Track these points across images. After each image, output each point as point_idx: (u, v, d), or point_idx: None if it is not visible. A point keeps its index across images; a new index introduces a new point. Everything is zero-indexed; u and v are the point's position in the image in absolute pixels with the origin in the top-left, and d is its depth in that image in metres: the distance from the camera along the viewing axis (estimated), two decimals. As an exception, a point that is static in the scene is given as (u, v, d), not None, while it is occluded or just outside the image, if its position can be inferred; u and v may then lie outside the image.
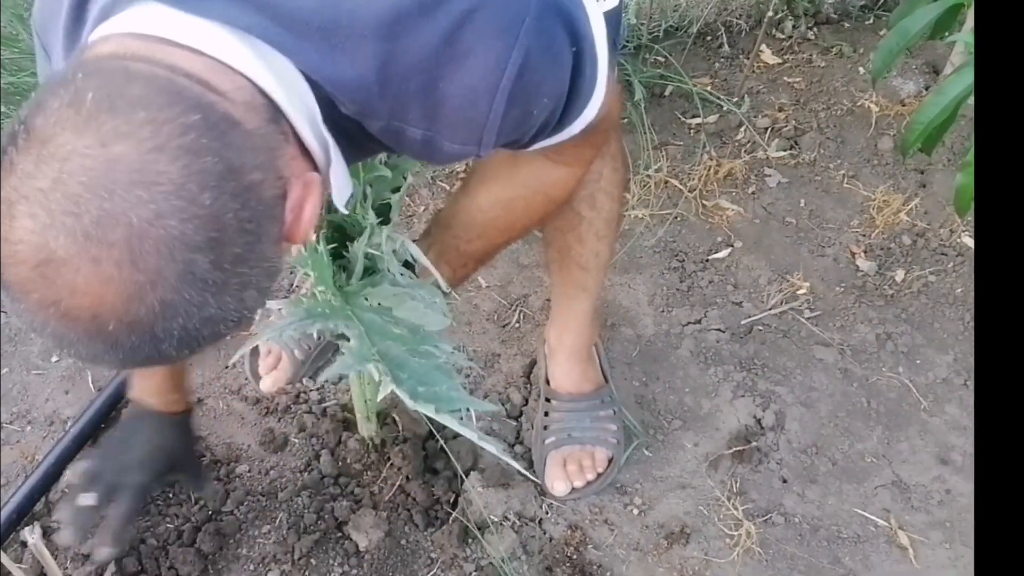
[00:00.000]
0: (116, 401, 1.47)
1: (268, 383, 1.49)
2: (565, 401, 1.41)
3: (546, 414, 1.42)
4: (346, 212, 0.79)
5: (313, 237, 1.04)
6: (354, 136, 0.74)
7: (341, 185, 0.76)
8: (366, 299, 1.06)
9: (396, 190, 1.09)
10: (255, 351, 1.53)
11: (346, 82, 0.68)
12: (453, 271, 1.07)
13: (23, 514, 1.32)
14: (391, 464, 1.39)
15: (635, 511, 1.36)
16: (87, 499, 1.11)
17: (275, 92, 0.65)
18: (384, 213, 1.09)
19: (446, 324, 1.07)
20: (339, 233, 1.09)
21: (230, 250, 0.59)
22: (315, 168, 0.71)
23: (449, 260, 1.09)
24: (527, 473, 0.88)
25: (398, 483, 1.37)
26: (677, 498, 1.37)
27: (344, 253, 1.07)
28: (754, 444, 1.42)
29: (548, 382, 1.44)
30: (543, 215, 1.05)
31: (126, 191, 0.55)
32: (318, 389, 1.51)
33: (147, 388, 1.21)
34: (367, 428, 1.39)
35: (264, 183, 0.62)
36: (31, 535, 0.83)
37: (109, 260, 0.56)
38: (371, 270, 1.08)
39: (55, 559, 1.20)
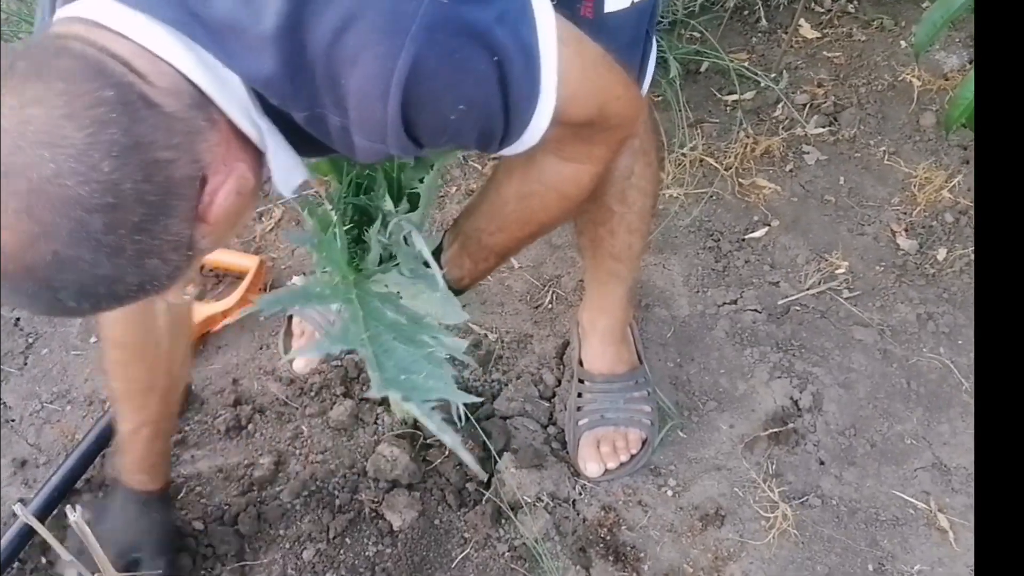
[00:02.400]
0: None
1: (301, 363, 1.50)
2: (598, 382, 1.40)
3: (579, 395, 1.41)
4: (289, 197, 0.82)
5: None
6: (293, 125, 0.76)
7: (284, 171, 0.79)
8: (385, 285, 1.06)
9: (422, 179, 1.08)
10: (289, 331, 1.54)
11: (261, 78, 0.71)
12: (475, 264, 1.08)
13: (64, 492, 1.34)
14: (425, 444, 1.39)
15: (669, 492, 1.35)
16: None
17: (200, 80, 0.70)
18: (413, 201, 1.08)
19: (464, 318, 1.07)
20: (365, 216, 1.08)
21: (127, 217, 0.64)
22: (256, 153, 0.76)
23: (471, 252, 1.09)
24: (478, 470, 0.88)
25: (432, 463, 1.37)
26: (712, 480, 1.36)
27: (363, 237, 1.07)
28: (791, 426, 1.40)
29: (581, 363, 1.44)
30: (559, 211, 1.03)
31: (32, 149, 0.61)
32: (352, 368, 1.51)
33: (122, 464, 1.25)
34: (400, 409, 1.39)
35: (175, 163, 0.67)
36: (72, 513, 0.84)
37: (9, 208, 0.62)
38: (391, 256, 1.07)
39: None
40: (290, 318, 1.55)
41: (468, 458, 0.85)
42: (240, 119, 0.73)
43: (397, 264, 1.07)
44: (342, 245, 1.04)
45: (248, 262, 1.62)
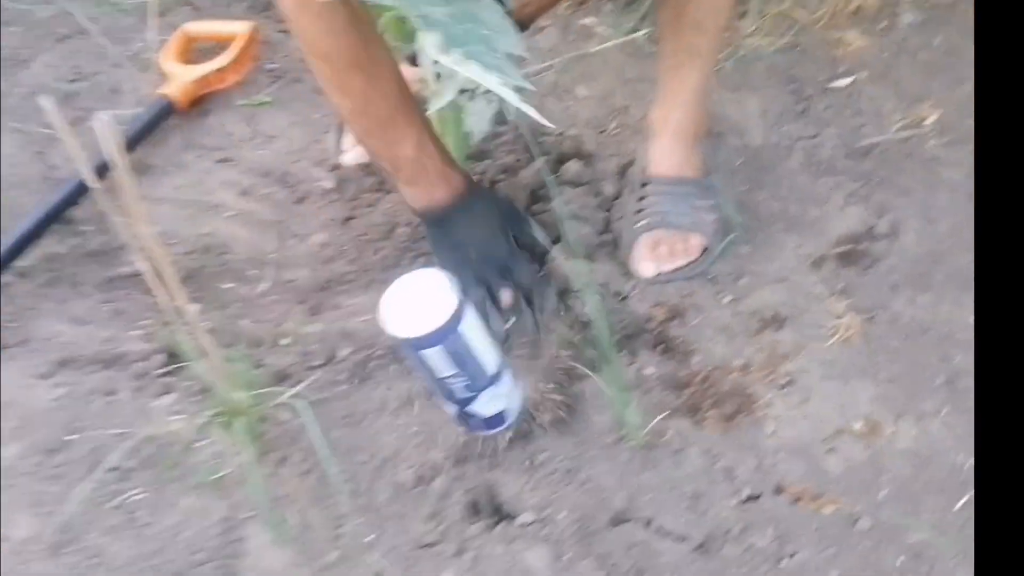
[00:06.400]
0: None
1: (351, 156, 1.46)
2: (663, 184, 1.32)
3: (641, 199, 1.33)
4: None
5: None
6: None
7: None
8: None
9: None
10: (342, 127, 1.49)
11: None
12: None
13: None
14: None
15: (726, 299, 1.26)
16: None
17: None
18: None
19: (523, 49, 0.99)
20: None
21: None
22: None
23: None
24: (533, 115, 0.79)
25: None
26: (773, 291, 1.26)
27: None
28: (864, 246, 1.30)
29: (645, 171, 1.35)
30: None
31: None
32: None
33: (424, 187, 1.13)
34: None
35: None
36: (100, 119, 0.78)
37: None
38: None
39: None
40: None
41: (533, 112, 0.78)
42: None
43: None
44: None
45: (240, 28, 1.64)
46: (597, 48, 1.68)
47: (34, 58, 1.72)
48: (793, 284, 1.27)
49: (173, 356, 1.21)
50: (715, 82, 1.43)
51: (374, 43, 1.04)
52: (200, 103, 1.59)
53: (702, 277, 1.29)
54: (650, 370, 1.17)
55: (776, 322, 1.22)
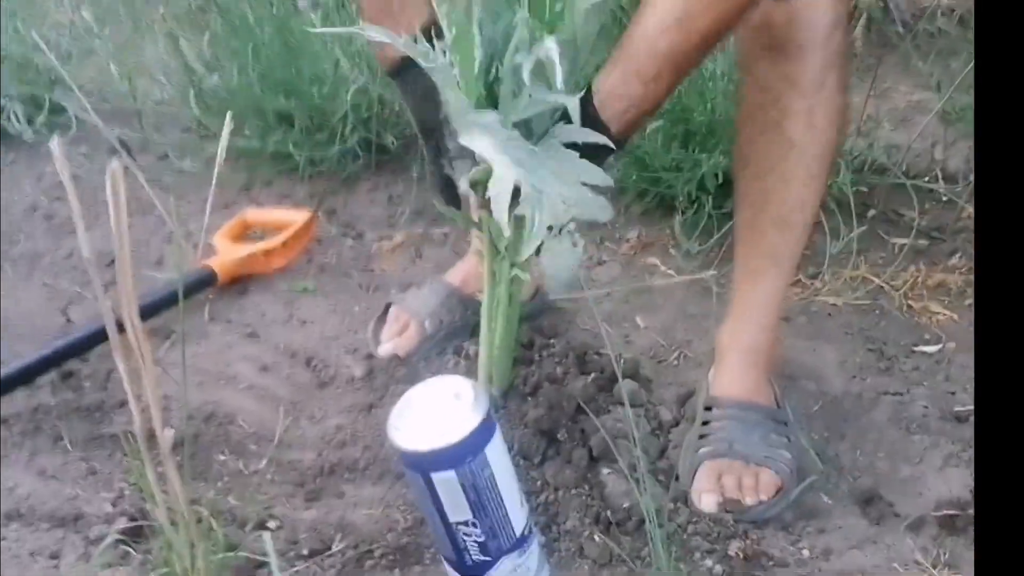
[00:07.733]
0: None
1: (388, 348, 1.34)
2: (731, 408, 1.16)
3: (704, 423, 1.16)
4: None
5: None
6: None
7: None
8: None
9: None
10: (383, 316, 1.39)
11: None
12: (644, 85, 0.88)
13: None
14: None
15: (806, 553, 1.05)
16: None
17: None
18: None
19: (608, 216, 0.91)
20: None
21: None
22: None
23: (639, 69, 0.88)
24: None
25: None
26: (862, 552, 1.05)
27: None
28: (971, 515, 1.09)
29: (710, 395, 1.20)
30: None
31: None
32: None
33: None
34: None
35: None
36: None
37: None
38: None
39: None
40: (387, 306, 1.41)
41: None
42: None
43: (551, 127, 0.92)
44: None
45: (298, 215, 1.61)
46: (660, 283, 1.59)
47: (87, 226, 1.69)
48: (887, 547, 1.06)
49: (138, 523, 1.01)
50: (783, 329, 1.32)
51: None
52: (241, 281, 1.52)
53: (775, 522, 1.08)
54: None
55: (871, 586, 0.99)
